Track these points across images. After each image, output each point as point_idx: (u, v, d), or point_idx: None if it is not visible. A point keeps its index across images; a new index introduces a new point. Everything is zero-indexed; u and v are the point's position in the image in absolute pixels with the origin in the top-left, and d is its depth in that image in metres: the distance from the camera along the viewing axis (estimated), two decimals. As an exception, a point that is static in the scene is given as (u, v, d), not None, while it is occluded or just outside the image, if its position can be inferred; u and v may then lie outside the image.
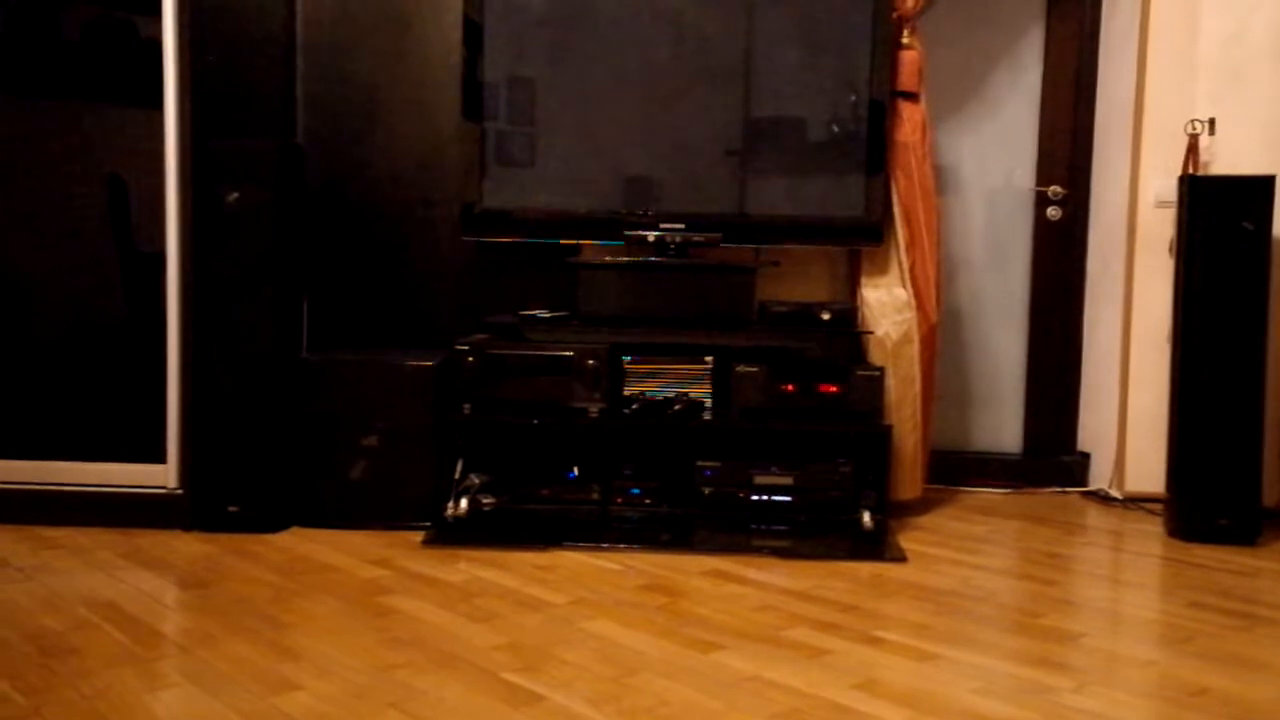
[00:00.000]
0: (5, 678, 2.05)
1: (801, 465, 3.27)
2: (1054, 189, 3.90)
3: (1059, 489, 3.87)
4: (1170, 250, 3.50)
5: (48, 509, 3.15)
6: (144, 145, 3.13)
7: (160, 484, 3.16)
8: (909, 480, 3.48)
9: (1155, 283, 3.59)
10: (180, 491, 3.16)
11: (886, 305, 3.44)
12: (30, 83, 3.19)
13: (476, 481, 3.27)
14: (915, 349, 3.43)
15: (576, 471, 3.38)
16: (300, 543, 3.05)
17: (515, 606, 2.52)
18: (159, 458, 3.16)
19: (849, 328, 3.37)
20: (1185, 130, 3.49)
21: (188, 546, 2.99)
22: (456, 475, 3.26)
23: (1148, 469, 3.59)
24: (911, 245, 3.45)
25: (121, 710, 1.92)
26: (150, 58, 3.10)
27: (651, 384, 3.34)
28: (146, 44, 3.12)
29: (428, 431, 3.22)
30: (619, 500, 3.33)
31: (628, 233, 3.36)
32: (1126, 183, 3.66)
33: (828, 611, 2.52)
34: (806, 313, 3.33)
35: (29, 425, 3.22)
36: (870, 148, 3.37)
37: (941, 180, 3.87)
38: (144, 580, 2.68)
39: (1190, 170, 3.47)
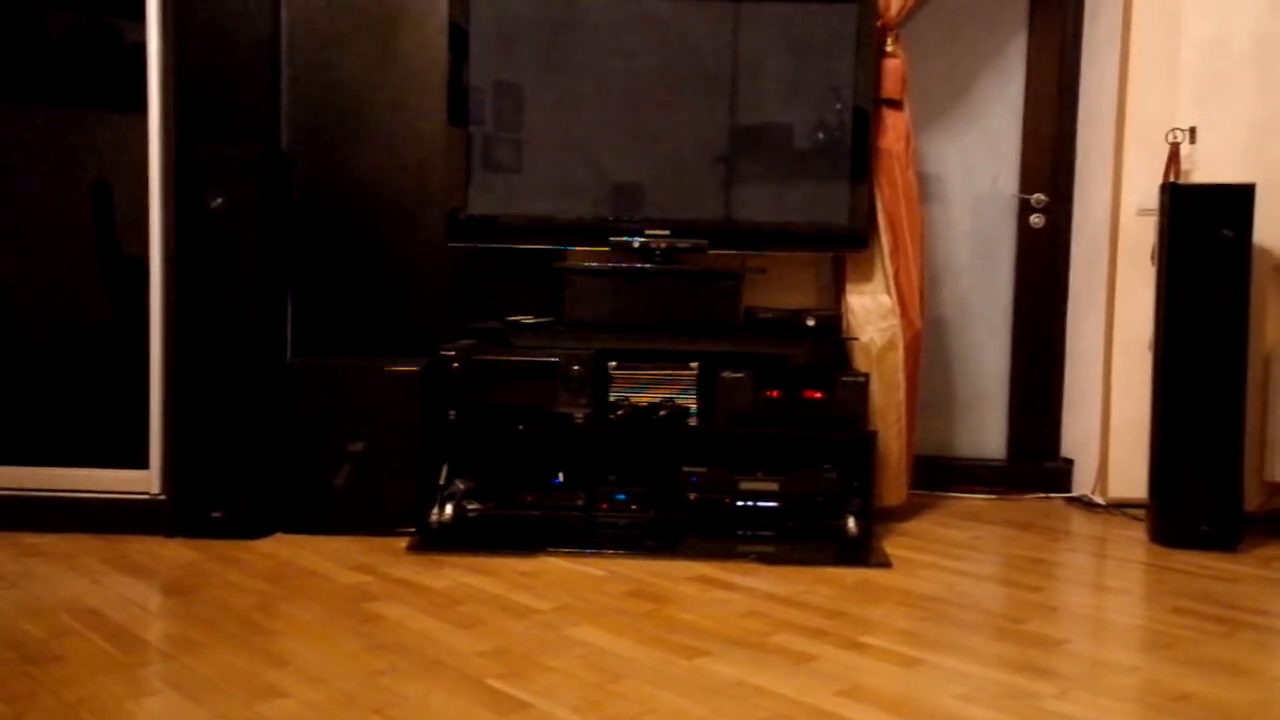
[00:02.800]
0: (-13, 685, 2.04)
1: (787, 471, 3.27)
2: (1037, 196, 3.92)
3: (1042, 495, 3.89)
4: (1152, 258, 3.52)
5: (30, 515, 3.14)
6: (128, 150, 3.12)
7: (143, 490, 3.15)
8: (894, 486, 3.49)
9: (1137, 290, 3.61)
10: (163, 497, 3.15)
11: (871, 312, 3.45)
12: (14, 87, 3.17)
13: (461, 487, 3.27)
14: (900, 355, 3.45)
15: (562, 477, 3.38)
16: (284, 549, 3.04)
17: (500, 613, 2.52)
18: (142, 463, 3.14)
19: (834, 334, 3.38)
20: (1167, 139, 3.51)
21: (171, 553, 2.98)
22: (441, 481, 3.26)
23: (1130, 475, 3.61)
24: (895, 252, 3.46)
25: (105, 718, 1.91)
26: (134, 63, 3.09)
27: (637, 390, 3.34)
28: (131, 49, 3.11)
29: (413, 437, 3.22)
30: (604, 506, 3.33)
31: (614, 239, 3.37)
32: (1109, 190, 3.68)
33: (813, 617, 2.52)
34: (792, 319, 3.34)
35: (11, 430, 3.20)
36: (854, 155, 3.39)
37: (925, 187, 3.89)
38: (127, 587, 2.67)
39: (1172, 178, 3.49)
